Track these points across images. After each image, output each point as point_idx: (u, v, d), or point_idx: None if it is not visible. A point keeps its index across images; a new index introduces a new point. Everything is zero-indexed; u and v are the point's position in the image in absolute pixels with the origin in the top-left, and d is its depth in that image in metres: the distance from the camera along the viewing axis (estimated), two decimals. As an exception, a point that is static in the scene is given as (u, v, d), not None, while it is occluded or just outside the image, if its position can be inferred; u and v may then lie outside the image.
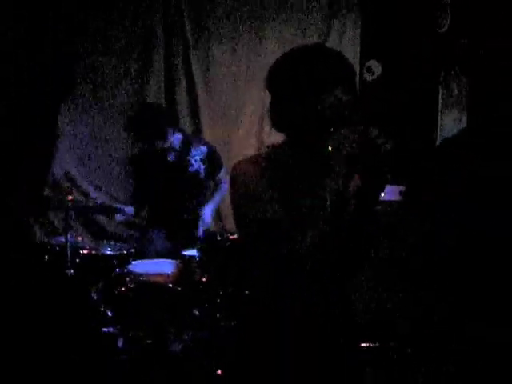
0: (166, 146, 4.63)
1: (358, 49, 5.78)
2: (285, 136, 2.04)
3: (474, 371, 2.11)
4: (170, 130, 4.61)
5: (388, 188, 1.94)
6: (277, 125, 2.03)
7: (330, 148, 1.84)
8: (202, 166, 4.72)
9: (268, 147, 2.08)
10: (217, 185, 4.88)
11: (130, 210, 4.81)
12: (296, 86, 1.97)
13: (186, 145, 4.73)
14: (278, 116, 2.02)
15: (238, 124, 5.77)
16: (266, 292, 2.03)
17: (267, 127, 2.11)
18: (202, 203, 4.76)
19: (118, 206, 4.93)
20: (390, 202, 2.23)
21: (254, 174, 1.98)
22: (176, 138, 4.67)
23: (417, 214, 2.25)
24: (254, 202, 1.93)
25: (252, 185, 1.96)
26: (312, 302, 1.97)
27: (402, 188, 2.53)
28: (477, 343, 2.11)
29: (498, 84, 3.61)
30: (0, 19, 4.80)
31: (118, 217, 5.10)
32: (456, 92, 4.85)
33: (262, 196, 1.94)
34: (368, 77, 5.60)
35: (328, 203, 1.84)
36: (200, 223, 4.61)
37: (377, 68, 5.60)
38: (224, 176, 4.76)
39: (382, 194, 1.90)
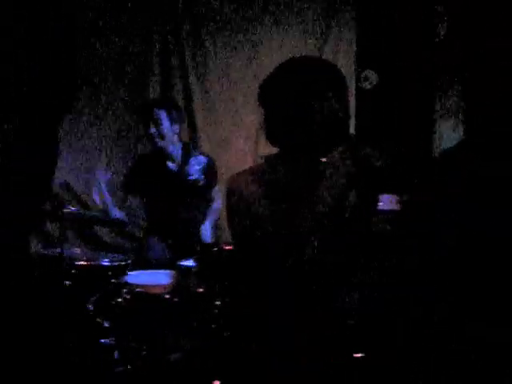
0: (165, 152, 4.67)
1: (354, 58, 5.78)
2: (279, 148, 2.04)
3: (473, 371, 2.10)
4: (164, 115, 4.66)
5: (385, 197, 1.94)
6: (271, 137, 2.03)
7: (325, 163, 1.85)
8: (202, 176, 4.72)
9: (262, 158, 2.08)
10: (210, 202, 4.89)
11: (126, 219, 4.82)
12: (288, 97, 1.96)
13: (186, 153, 4.76)
14: (272, 129, 2.02)
15: (235, 134, 5.77)
16: (260, 302, 2.02)
17: (263, 138, 2.11)
18: (200, 213, 4.77)
19: (116, 216, 4.93)
20: (387, 212, 2.22)
21: (250, 187, 1.98)
22: (176, 147, 4.72)
23: (416, 216, 2.24)
24: (250, 216, 1.93)
25: (248, 198, 1.96)
26: (308, 311, 1.97)
27: (399, 197, 2.52)
28: (477, 343, 2.10)
29: (494, 92, 3.61)
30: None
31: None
32: (453, 100, 4.85)
33: (259, 209, 1.93)
34: (364, 86, 5.61)
35: (323, 216, 1.84)
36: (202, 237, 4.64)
37: (373, 77, 5.61)
38: (216, 194, 4.79)
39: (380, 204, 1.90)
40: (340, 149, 1.86)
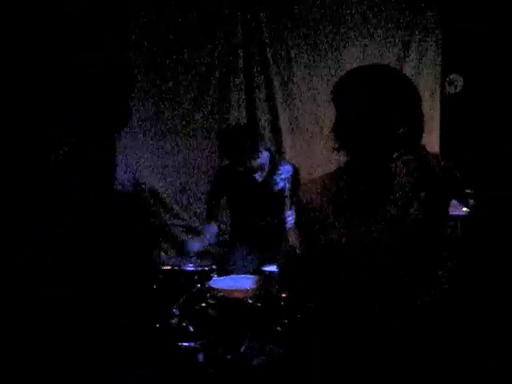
0: (255, 164, 4.73)
1: (440, 62, 5.70)
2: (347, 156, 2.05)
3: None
4: (262, 149, 4.72)
5: (453, 202, 1.93)
6: (337, 142, 2.04)
7: (390, 172, 1.85)
8: (288, 185, 4.77)
9: (336, 170, 2.09)
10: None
11: (214, 229, 4.92)
12: (356, 105, 1.97)
13: (274, 163, 4.82)
14: (338, 132, 2.04)
15: (318, 143, 5.79)
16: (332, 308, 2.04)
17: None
18: (284, 221, 4.80)
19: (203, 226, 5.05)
20: (455, 217, 2.20)
21: (320, 194, 2.00)
22: (265, 157, 4.78)
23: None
24: (317, 223, 1.96)
25: (316, 205, 1.98)
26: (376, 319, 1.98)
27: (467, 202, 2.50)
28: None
29: None
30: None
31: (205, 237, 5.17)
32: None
33: (325, 217, 1.96)
34: (450, 90, 5.53)
35: (388, 226, 1.85)
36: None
37: (458, 81, 5.52)
38: None
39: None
40: (405, 157, 1.86)
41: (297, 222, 2.08)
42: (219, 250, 5.57)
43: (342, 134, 2.02)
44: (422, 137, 1.99)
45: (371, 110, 1.94)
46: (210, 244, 5.67)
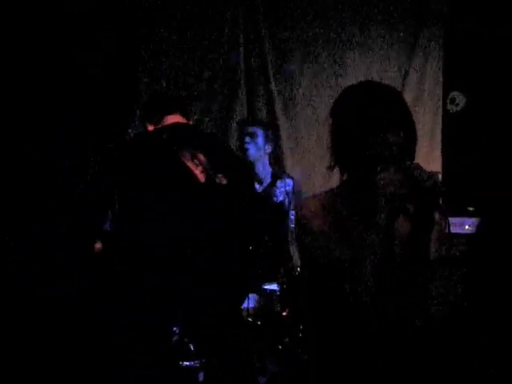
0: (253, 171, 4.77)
1: (441, 80, 5.70)
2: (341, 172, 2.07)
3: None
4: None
5: (457, 220, 1.93)
6: (332, 156, 2.06)
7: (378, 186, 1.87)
8: (287, 199, 4.77)
9: (335, 188, 2.11)
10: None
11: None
12: (348, 121, 2.00)
13: (274, 176, 4.84)
14: (332, 146, 2.06)
15: (320, 158, 5.78)
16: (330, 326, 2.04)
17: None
18: (283, 235, 4.79)
19: None
20: (460, 235, 2.21)
21: (321, 211, 2.01)
22: (265, 170, 4.80)
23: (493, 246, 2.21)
24: (314, 241, 1.97)
25: (313, 224, 2.00)
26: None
27: (474, 220, 2.49)
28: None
29: None
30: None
31: None
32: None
33: (320, 236, 1.97)
34: (451, 109, 5.53)
35: (377, 241, 1.86)
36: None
37: (460, 99, 5.52)
38: None
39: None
40: (390, 169, 1.88)
41: (298, 237, 2.08)
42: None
43: (337, 151, 2.05)
44: (414, 150, 2.01)
45: (365, 124, 1.96)
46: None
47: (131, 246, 3.53)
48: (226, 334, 3.96)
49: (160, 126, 3.71)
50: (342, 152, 2.03)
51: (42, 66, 4.89)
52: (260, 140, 4.85)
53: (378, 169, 1.91)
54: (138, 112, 5.22)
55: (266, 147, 4.89)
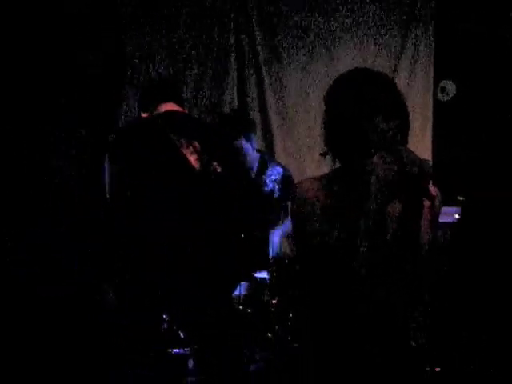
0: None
1: (432, 69, 5.71)
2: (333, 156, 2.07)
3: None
4: (252, 146, 4.68)
5: (445, 209, 1.94)
6: (326, 145, 2.07)
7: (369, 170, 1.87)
8: (277, 187, 4.74)
9: (327, 174, 2.12)
10: (286, 214, 4.87)
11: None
12: (342, 107, 2.00)
13: (263, 164, 4.77)
14: (326, 133, 2.07)
15: (311, 146, 5.78)
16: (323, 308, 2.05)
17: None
18: (273, 223, 4.76)
19: None
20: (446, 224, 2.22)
21: (316, 194, 2.02)
22: (254, 158, 4.73)
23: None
24: (314, 222, 1.98)
25: (310, 205, 2.01)
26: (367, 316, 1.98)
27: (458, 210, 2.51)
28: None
29: None
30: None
31: None
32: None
33: (317, 219, 1.98)
34: (442, 98, 5.53)
35: (369, 226, 1.87)
36: (270, 249, 4.62)
37: (451, 88, 5.52)
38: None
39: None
40: (381, 154, 1.89)
41: (291, 221, 2.09)
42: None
43: (331, 137, 2.05)
44: (406, 135, 2.02)
45: (358, 111, 1.97)
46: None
47: (130, 244, 3.55)
48: (216, 322, 3.97)
49: (155, 113, 3.72)
50: (334, 138, 2.04)
51: (42, 66, 4.87)
52: (249, 152, 4.70)
53: (371, 154, 1.92)
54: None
55: (253, 146, 4.77)
